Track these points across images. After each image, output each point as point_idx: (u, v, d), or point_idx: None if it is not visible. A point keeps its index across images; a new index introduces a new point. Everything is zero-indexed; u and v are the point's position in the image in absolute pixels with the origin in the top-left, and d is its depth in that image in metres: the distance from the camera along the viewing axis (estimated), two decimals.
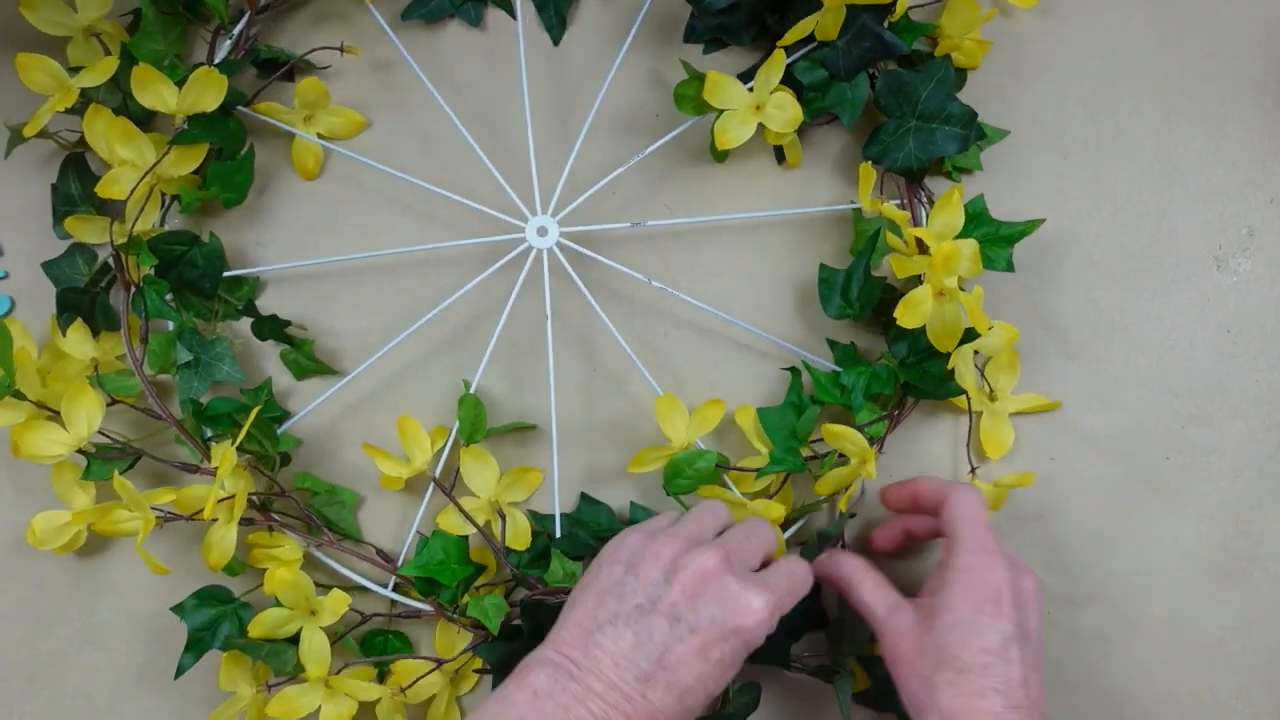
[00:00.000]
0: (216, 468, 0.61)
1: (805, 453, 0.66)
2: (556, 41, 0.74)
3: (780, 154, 0.72)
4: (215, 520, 0.63)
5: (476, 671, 0.67)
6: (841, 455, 0.66)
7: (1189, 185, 0.72)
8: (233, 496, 0.62)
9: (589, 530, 0.67)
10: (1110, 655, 0.68)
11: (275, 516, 0.66)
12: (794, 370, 0.68)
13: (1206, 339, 0.71)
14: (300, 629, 0.63)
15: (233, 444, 0.61)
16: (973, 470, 0.69)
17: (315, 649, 0.62)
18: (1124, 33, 0.74)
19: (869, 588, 0.60)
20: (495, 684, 0.66)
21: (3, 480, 0.70)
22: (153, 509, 0.62)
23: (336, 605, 0.62)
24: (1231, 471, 0.70)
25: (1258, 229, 0.72)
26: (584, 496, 0.69)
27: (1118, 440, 0.70)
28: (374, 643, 0.67)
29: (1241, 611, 0.68)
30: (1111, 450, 0.70)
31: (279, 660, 0.63)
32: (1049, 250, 0.71)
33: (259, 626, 0.63)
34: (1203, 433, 0.70)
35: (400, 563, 0.68)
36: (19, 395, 0.62)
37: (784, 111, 0.67)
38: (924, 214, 0.69)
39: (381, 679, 0.66)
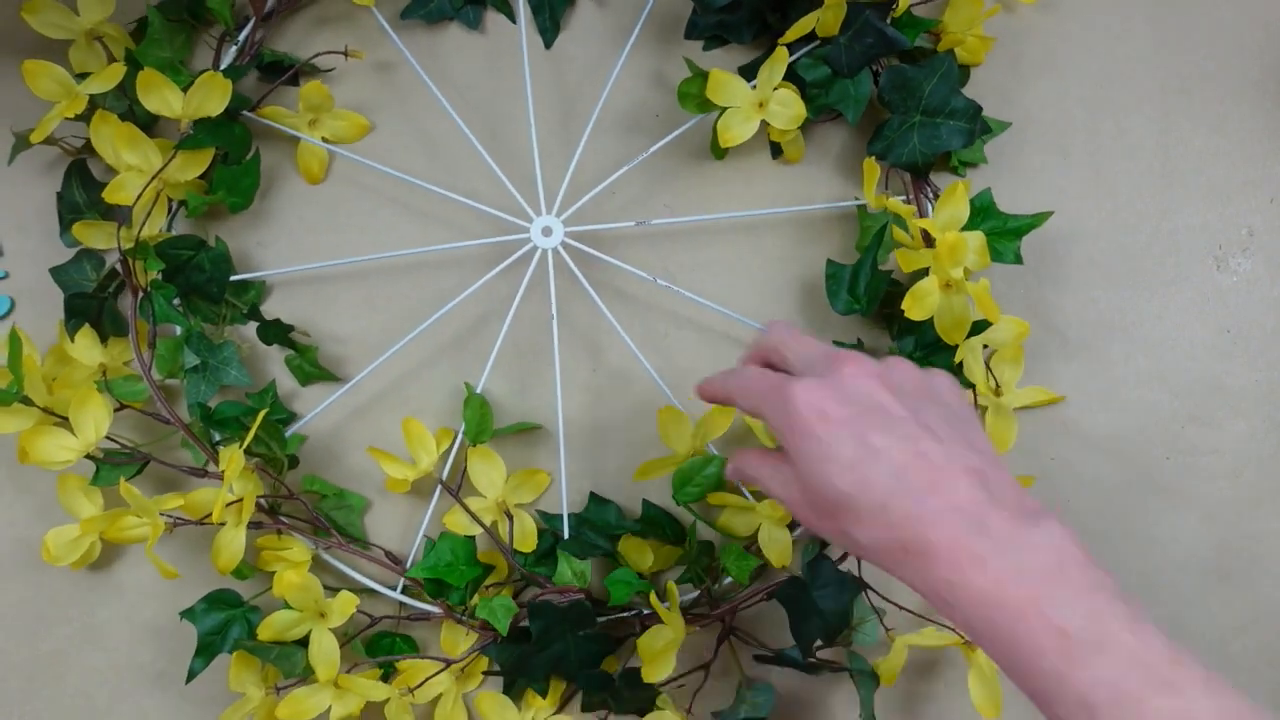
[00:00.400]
0: (224, 471, 0.61)
1: None
2: (549, 45, 0.74)
3: (777, 149, 0.72)
4: (224, 524, 0.63)
5: (485, 673, 0.67)
6: None
7: (1189, 185, 0.72)
8: (241, 500, 0.62)
9: (598, 530, 0.67)
10: None
11: (284, 519, 0.66)
12: None
13: (1206, 339, 0.71)
14: (309, 631, 0.63)
15: (240, 446, 0.61)
16: None
17: (325, 651, 0.62)
18: (1124, 33, 0.74)
19: (766, 475, 0.53)
20: (507, 685, 0.66)
21: (3, 480, 0.70)
22: (161, 514, 0.62)
23: (345, 607, 0.62)
24: (1231, 471, 0.70)
25: (1258, 229, 0.72)
26: (593, 496, 0.68)
27: (1118, 440, 0.70)
28: (381, 644, 0.67)
29: (1241, 611, 0.68)
30: (1111, 450, 0.70)
31: (289, 663, 0.63)
32: (1049, 250, 0.71)
33: (268, 629, 0.63)
34: (1203, 433, 0.70)
35: (409, 565, 0.68)
36: (26, 401, 0.62)
37: (787, 109, 0.67)
38: (930, 209, 0.69)
39: (387, 679, 0.65)
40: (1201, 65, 0.74)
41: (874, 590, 0.66)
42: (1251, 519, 0.69)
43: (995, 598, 0.43)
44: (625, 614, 0.66)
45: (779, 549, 0.64)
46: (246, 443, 0.61)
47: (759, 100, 0.67)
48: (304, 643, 0.64)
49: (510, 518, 0.66)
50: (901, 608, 0.66)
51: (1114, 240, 0.72)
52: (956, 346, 0.65)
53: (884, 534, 0.46)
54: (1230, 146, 0.73)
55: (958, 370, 0.66)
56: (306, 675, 0.64)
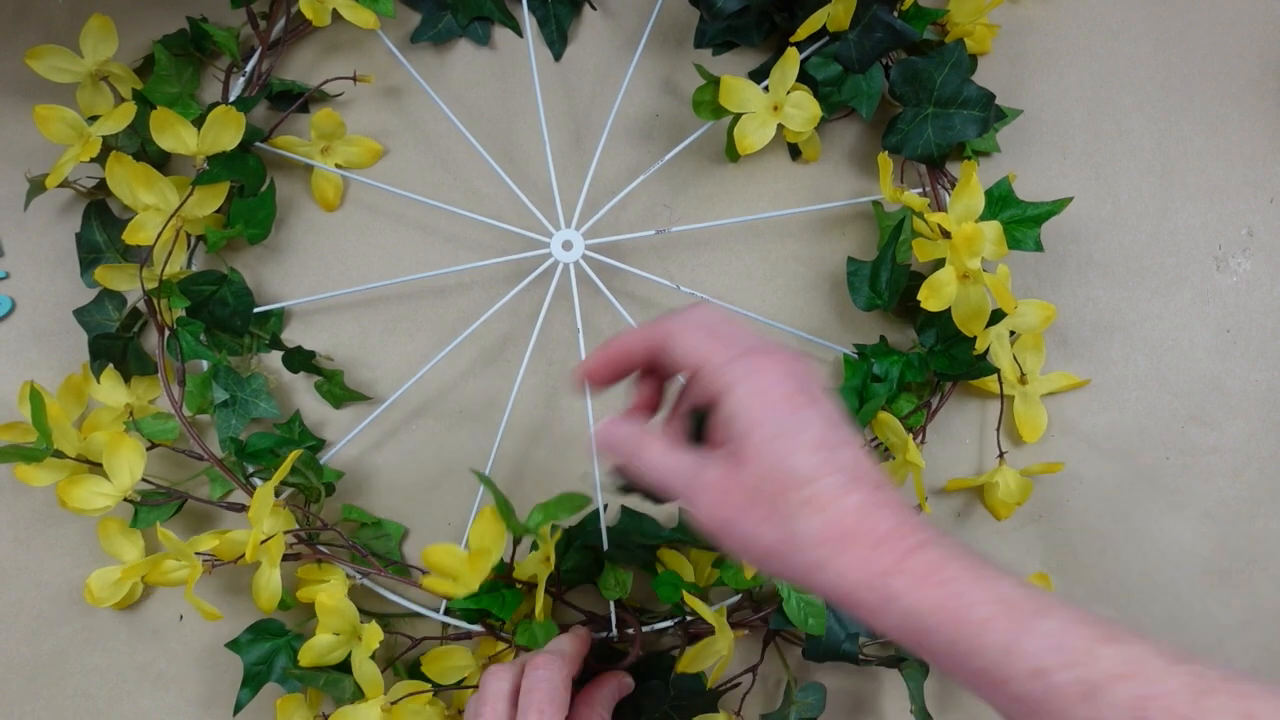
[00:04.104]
0: (251, 513, 0.61)
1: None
2: (557, 57, 0.74)
3: (795, 150, 0.72)
4: (259, 563, 0.63)
5: None
6: (887, 451, 0.66)
7: (1189, 185, 0.73)
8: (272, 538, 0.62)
9: (636, 540, 0.66)
10: None
11: (323, 549, 0.66)
12: (847, 358, 0.68)
13: (1206, 339, 0.71)
14: (349, 654, 0.63)
15: (270, 486, 0.60)
16: (1001, 456, 0.69)
17: (366, 672, 0.62)
18: (1124, 33, 0.74)
19: (659, 450, 0.48)
20: None
21: (3, 480, 0.70)
22: (197, 554, 0.62)
23: (371, 638, 0.62)
24: (1231, 471, 0.70)
25: (1258, 229, 0.72)
26: (624, 510, 0.68)
27: (1118, 440, 0.70)
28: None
29: (1241, 611, 0.68)
30: (1111, 450, 0.70)
31: (337, 688, 0.63)
32: (1049, 250, 0.71)
33: (308, 654, 0.63)
34: (1203, 433, 0.70)
35: None
36: (59, 454, 0.62)
37: (802, 110, 0.67)
38: (947, 199, 0.69)
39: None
40: (1201, 65, 0.74)
41: None
42: (1251, 519, 0.69)
43: (937, 574, 0.42)
44: (669, 623, 0.66)
45: None
46: (275, 482, 0.60)
47: (773, 104, 0.67)
48: (346, 667, 0.63)
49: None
50: None
51: (1114, 240, 0.72)
52: (976, 337, 0.65)
53: (833, 520, 0.43)
54: (1230, 146, 0.73)
55: (982, 358, 0.66)
56: (355, 699, 0.64)
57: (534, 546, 0.65)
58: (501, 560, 0.64)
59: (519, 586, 0.64)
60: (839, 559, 0.43)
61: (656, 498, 0.50)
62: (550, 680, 0.56)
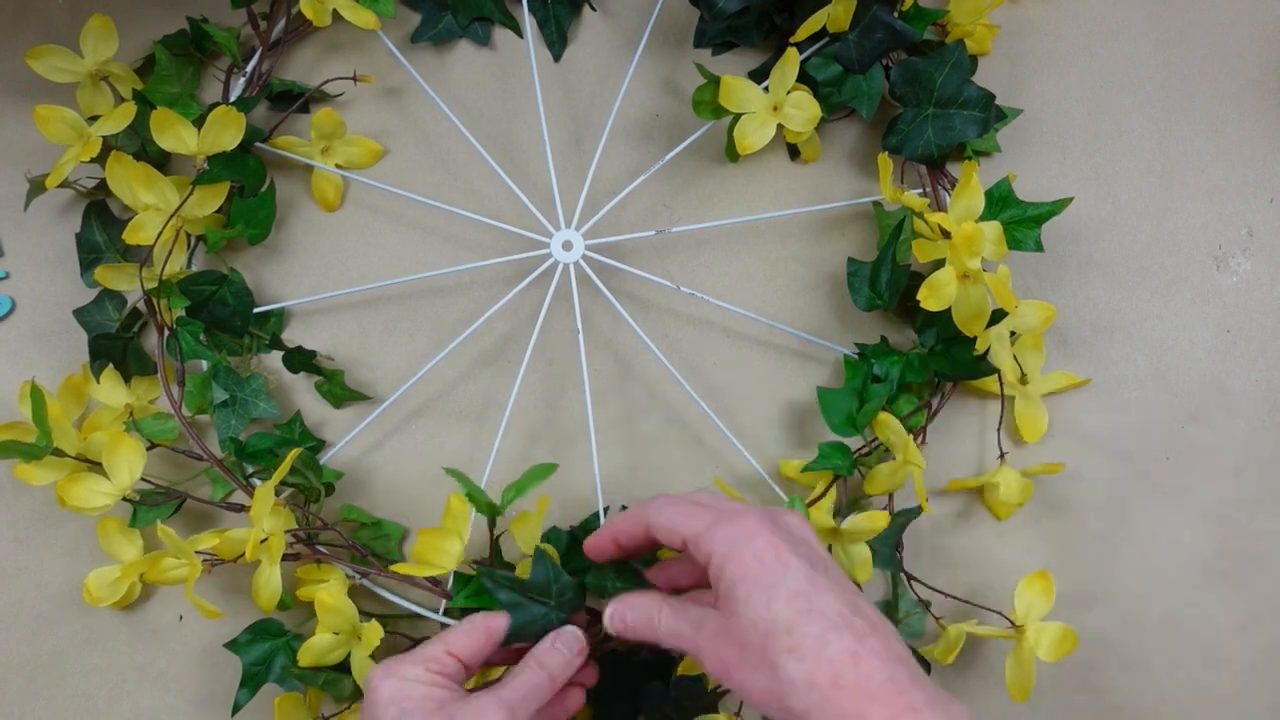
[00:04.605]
0: (252, 511, 0.61)
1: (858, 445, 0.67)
2: (557, 58, 0.74)
3: (794, 150, 0.73)
4: (259, 561, 0.63)
5: None
6: (887, 451, 0.66)
7: (1189, 185, 0.73)
8: (271, 537, 0.62)
9: None
10: (1110, 655, 0.68)
11: (322, 549, 0.66)
12: (848, 358, 0.69)
13: (1206, 339, 0.71)
14: (348, 654, 0.63)
15: (270, 485, 0.60)
16: (1001, 457, 0.69)
17: (365, 673, 0.62)
18: (1124, 33, 0.74)
19: (668, 615, 0.54)
20: None
21: (2, 480, 0.70)
22: (197, 553, 0.62)
23: (371, 637, 0.62)
24: (1231, 471, 0.70)
25: (1258, 229, 0.72)
26: (625, 510, 0.68)
27: (1118, 440, 0.70)
28: None
29: (1241, 611, 0.68)
30: (1111, 450, 0.70)
31: (337, 688, 0.63)
32: (1049, 250, 0.71)
33: (307, 654, 0.62)
34: (1203, 433, 0.70)
35: (449, 584, 0.67)
36: (58, 453, 0.62)
37: (802, 110, 0.67)
38: (947, 200, 0.69)
39: None
40: (1201, 65, 0.74)
41: (919, 581, 0.66)
42: (1251, 519, 0.69)
43: None
44: None
45: None
46: (275, 481, 0.60)
47: (773, 104, 0.67)
48: (346, 667, 0.63)
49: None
50: (947, 595, 0.67)
51: (1114, 240, 0.72)
52: (976, 338, 0.65)
53: (819, 667, 0.46)
54: (1230, 146, 0.73)
55: (982, 359, 0.66)
56: (354, 700, 0.64)
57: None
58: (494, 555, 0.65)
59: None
60: (829, 706, 0.46)
61: (662, 650, 0.56)
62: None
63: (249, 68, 0.72)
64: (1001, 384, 0.68)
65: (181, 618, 0.68)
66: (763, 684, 0.48)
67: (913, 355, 0.67)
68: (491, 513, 0.59)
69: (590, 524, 0.67)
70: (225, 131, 0.65)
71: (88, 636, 0.68)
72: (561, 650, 0.56)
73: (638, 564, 0.61)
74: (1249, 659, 0.68)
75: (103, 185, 0.70)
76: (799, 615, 0.48)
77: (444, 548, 0.59)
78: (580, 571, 0.65)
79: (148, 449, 0.64)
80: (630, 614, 0.55)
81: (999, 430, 0.69)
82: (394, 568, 0.61)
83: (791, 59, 0.66)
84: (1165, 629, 0.68)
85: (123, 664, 0.68)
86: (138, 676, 0.68)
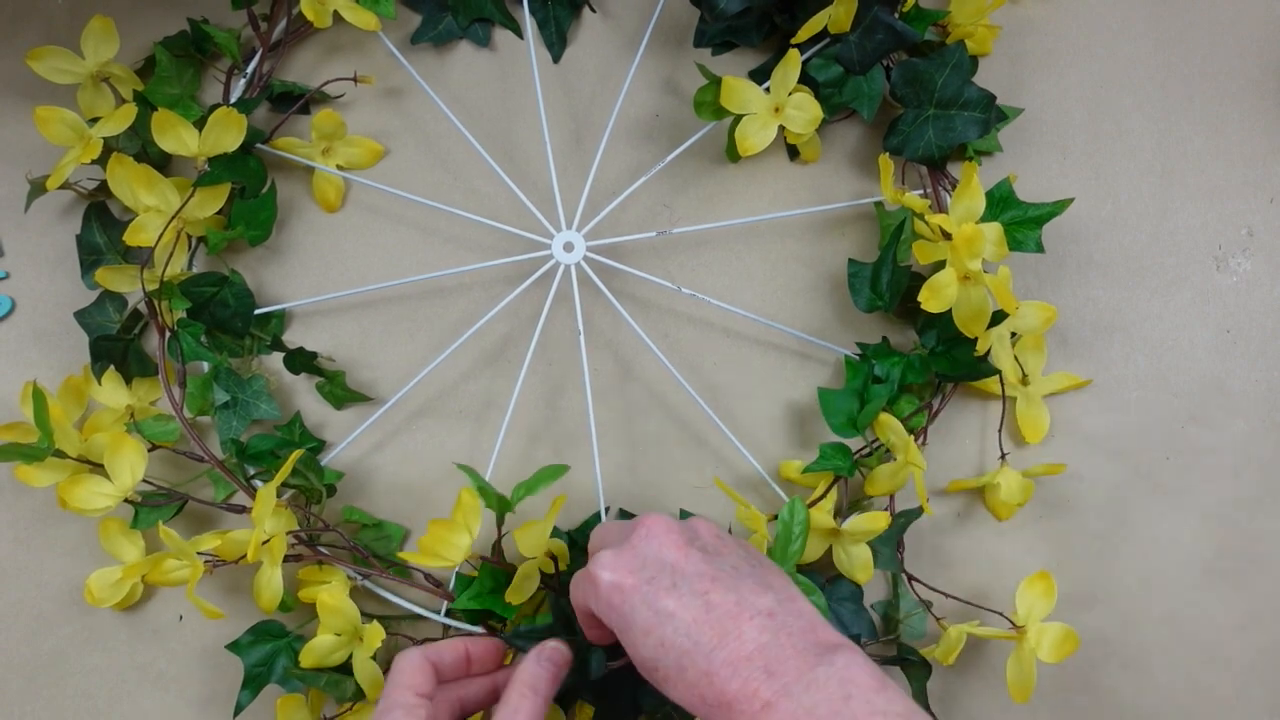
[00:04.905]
0: (254, 512, 0.61)
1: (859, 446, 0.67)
2: (556, 59, 0.74)
3: (794, 151, 0.73)
4: (260, 563, 0.63)
5: None
6: (888, 452, 0.66)
7: (1189, 185, 0.73)
8: (273, 538, 0.62)
9: None
10: (1110, 655, 0.68)
11: (323, 550, 0.66)
12: (849, 359, 0.69)
13: (1206, 339, 0.71)
14: (350, 655, 0.63)
15: (273, 486, 0.60)
16: (1002, 457, 0.69)
17: (368, 672, 0.62)
18: (1124, 33, 0.74)
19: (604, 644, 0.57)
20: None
21: (3, 480, 0.70)
22: (198, 554, 0.62)
23: (373, 638, 0.62)
24: (1231, 471, 0.70)
25: (1258, 229, 0.72)
26: (623, 513, 0.68)
27: (1118, 440, 0.70)
28: None
29: (1241, 611, 0.68)
30: (1111, 450, 0.70)
31: (339, 689, 0.63)
32: (1049, 250, 0.71)
33: (310, 655, 0.62)
34: (1203, 433, 0.70)
35: (450, 585, 0.67)
36: (59, 454, 0.62)
37: (804, 111, 0.67)
38: (948, 201, 0.70)
39: None
40: (1201, 65, 0.74)
41: (920, 582, 0.67)
42: (1251, 519, 0.69)
43: None
44: None
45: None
46: (278, 482, 0.61)
47: (775, 105, 0.68)
48: (347, 668, 0.63)
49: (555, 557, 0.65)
50: (948, 595, 0.67)
51: (1114, 240, 0.72)
52: (977, 339, 0.65)
53: (687, 693, 0.48)
54: (1230, 146, 0.73)
55: (983, 360, 0.66)
56: (356, 700, 0.64)
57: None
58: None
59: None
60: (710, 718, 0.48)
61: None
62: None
63: (249, 69, 0.72)
64: (1003, 385, 0.68)
65: (181, 618, 0.68)
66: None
67: (914, 356, 0.67)
68: (502, 508, 0.59)
69: (590, 524, 0.67)
70: (226, 133, 0.65)
71: (88, 636, 0.68)
72: (547, 666, 0.55)
73: None
74: (1249, 659, 0.68)
75: (103, 187, 0.69)
76: (654, 652, 0.49)
77: (453, 541, 0.59)
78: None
79: (149, 450, 0.64)
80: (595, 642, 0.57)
81: (1000, 431, 0.69)
82: (400, 555, 0.62)
83: (793, 60, 0.66)
84: (1165, 629, 0.68)
85: (123, 664, 0.68)
86: (138, 676, 0.68)
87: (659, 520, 0.53)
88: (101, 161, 0.66)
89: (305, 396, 0.70)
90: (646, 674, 0.50)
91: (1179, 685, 0.68)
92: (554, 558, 0.64)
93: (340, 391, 0.69)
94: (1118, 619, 0.68)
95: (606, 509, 0.67)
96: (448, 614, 0.67)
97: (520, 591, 0.62)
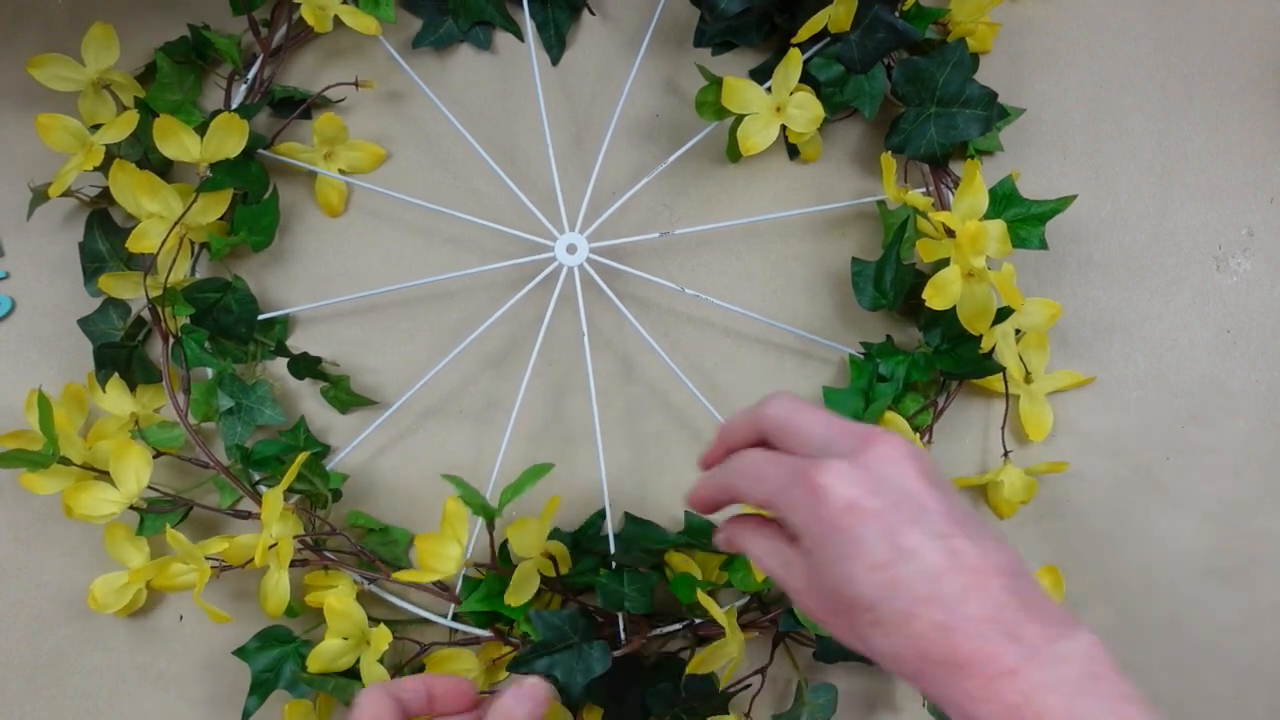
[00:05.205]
0: (262, 516, 0.61)
1: None
2: (555, 61, 0.74)
3: (794, 150, 0.73)
4: (267, 567, 0.63)
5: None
6: None
7: (1189, 185, 0.73)
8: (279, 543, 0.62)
9: (643, 544, 0.66)
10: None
11: (329, 555, 0.66)
12: (853, 358, 0.69)
13: (1206, 339, 0.71)
14: (357, 660, 0.63)
15: (280, 489, 0.60)
16: (1006, 455, 0.69)
17: (375, 675, 0.62)
18: (1124, 33, 0.74)
19: (766, 553, 0.49)
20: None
21: (3, 480, 0.70)
22: (205, 559, 0.62)
23: (380, 642, 0.62)
24: (1231, 471, 0.70)
25: (1258, 229, 0.72)
26: (628, 516, 0.68)
27: (1118, 440, 0.70)
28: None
29: (1241, 611, 0.69)
30: (1111, 450, 0.70)
31: (346, 693, 0.63)
32: (1048, 250, 0.71)
33: (317, 660, 0.62)
34: (1203, 433, 0.70)
35: (456, 589, 0.67)
36: (64, 461, 0.62)
37: (805, 111, 0.67)
38: (950, 198, 0.70)
39: None
40: (1201, 65, 0.74)
41: None
42: (1251, 519, 0.69)
43: (1023, 711, 0.40)
44: (678, 626, 0.66)
45: None
46: (285, 485, 0.61)
47: (776, 105, 0.67)
48: (355, 673, 0.63)
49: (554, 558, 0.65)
50: None
51: (1114, 240, 0.72)
52: (982, 336, 0.65)
53: (904, 644, 0.42)
54: (1230, 146, 0.73)
55: (988, 357, 0.66)
56: None
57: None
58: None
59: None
60: (920, 679, 0.43)
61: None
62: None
63: (250, 74, 0.71)
64: (1006, 382, 0.69)
65: (181, 618, 0.68)
66: (854, 644, 0.45)
67: (918, 354, 0.68)
68: (488, 515, 0.59)
69: (593, 524, 0.67)
70: (228, 138, 0.65)
71: (88, 636, 0.68)
72: (525, 703, 0.51)
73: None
74: (1249, 659, 0.68)
75: (105, 194, 0.69)
76: (880, 590, 0.42)
77: (444, 553, 0.59)
78: (583, 574, 0.66)
79: (154, 457, 0.64)
80: (742, 544, 0.50)
81: (1003, 429, 0.69)
82: (396, 576, 0.61)
83: (794, 60, 0.66)
84: (1165, 629, 0.69)
85: (123, 664, 0.68)
86: (138, 677, 0.68)
87: (895, 440, 0.45)
88: (103, 168, 0.65)
89: (309, 401, 0.71)
90: (840, 607, 0.44)
91: (1179, 685, 0.68)
92: (554, 559, 0.64)
93: (344, 396, 0.69)
94: (1118, 619, 0.69)
95: (607, 509, 0.67)
96: (455, 617, 0.67)
97: (519, 593, 0.63)
